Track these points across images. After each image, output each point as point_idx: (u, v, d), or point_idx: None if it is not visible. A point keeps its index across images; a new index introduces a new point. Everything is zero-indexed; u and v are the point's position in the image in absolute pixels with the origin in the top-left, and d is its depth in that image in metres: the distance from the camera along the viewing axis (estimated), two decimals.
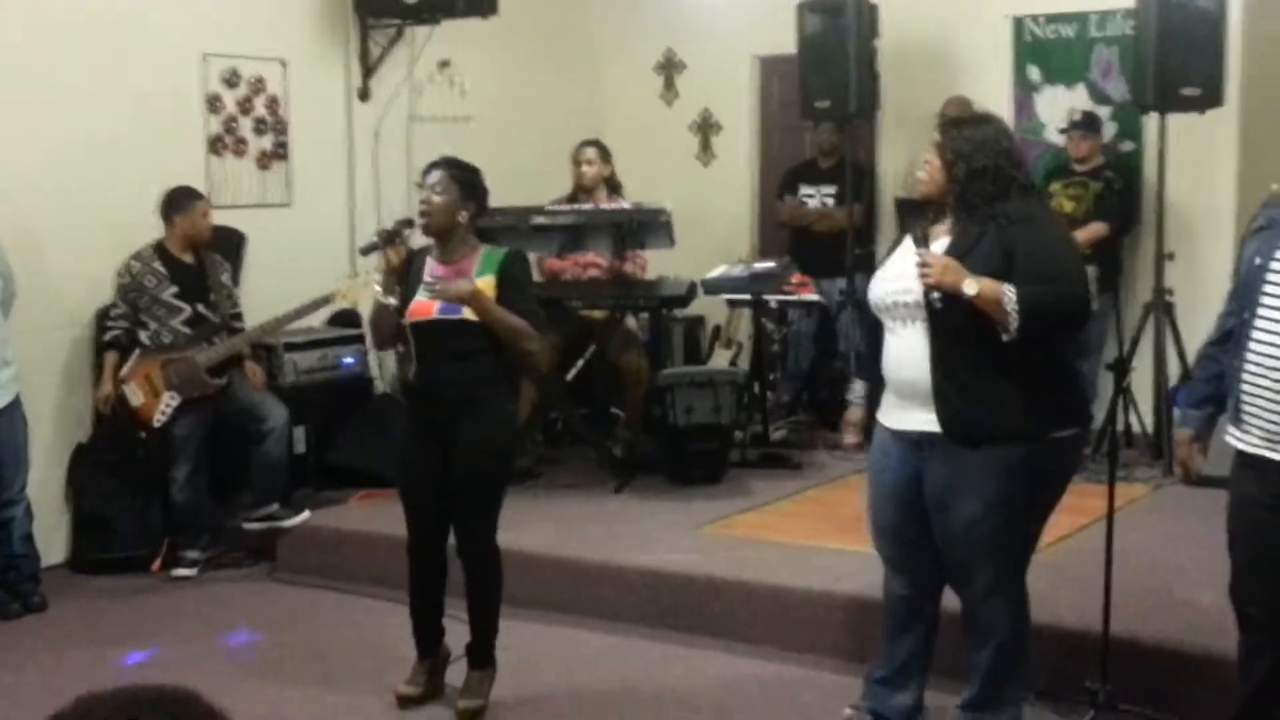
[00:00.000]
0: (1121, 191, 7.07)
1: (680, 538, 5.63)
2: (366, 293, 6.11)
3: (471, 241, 4.48)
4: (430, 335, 4.37)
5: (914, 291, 3.65)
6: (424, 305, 4.35)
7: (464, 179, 4.44)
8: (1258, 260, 3.38)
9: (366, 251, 4.69)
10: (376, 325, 4.55)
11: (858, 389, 4.14)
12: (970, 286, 3.52)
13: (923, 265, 3.59)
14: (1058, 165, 7.36)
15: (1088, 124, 7.14)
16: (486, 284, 4.34)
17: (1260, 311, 3.33)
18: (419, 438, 4.44)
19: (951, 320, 3.59)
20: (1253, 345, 3.34)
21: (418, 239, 4.55)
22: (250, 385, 6.16)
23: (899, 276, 3.74)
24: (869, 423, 4.04)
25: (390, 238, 4.47)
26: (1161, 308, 6.60)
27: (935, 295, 3.59)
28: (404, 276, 4.44)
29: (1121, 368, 4.69)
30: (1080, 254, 4.08)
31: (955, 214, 3.71)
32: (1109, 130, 7.38)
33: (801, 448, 7.05)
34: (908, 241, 3.81)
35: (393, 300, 4.41)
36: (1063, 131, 7.29)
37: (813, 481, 6.50)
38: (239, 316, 6.28)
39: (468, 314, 4.28)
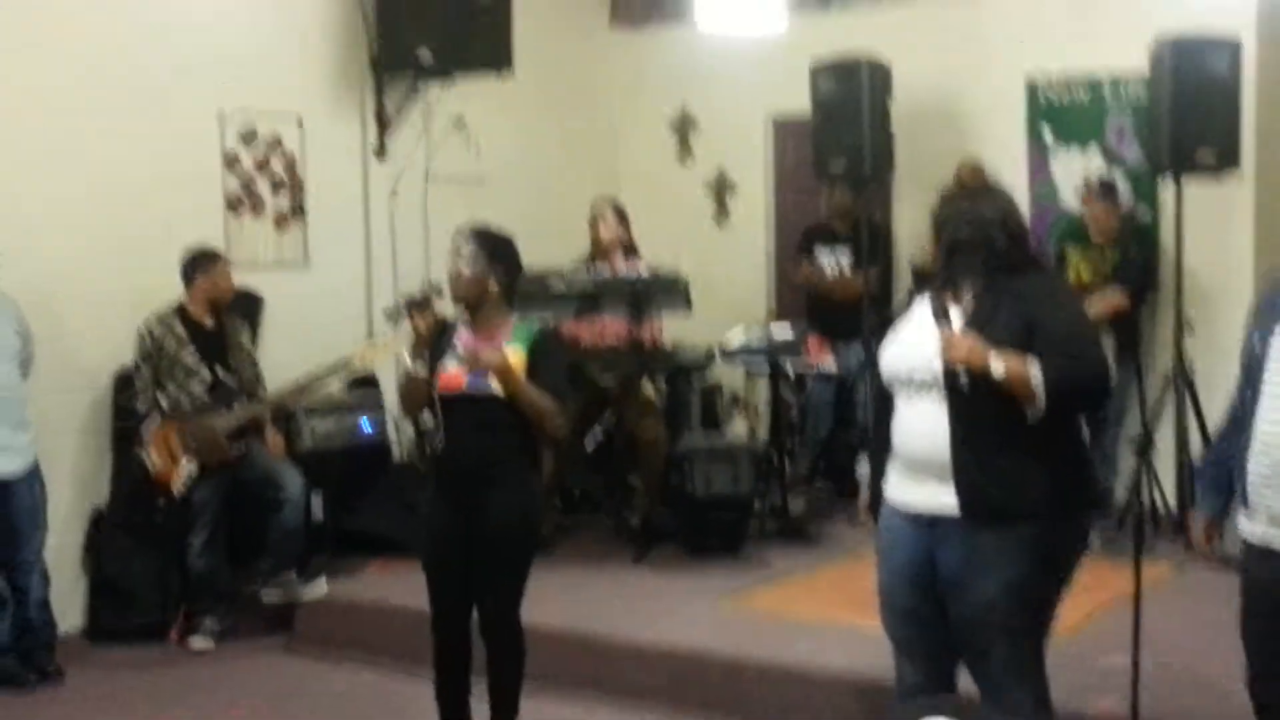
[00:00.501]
0: (1139, 259, 7.06)
1: (699, 612, 5.59)
2: (384, 355, 6.13)
3: (504, 311, 4.45)
4: (459, 407, 4.34)
5: (933, 366, 3.59)
6: (454, 378, 4.31)
7: (494, 249, 4.40)
8: (1258, 345, 3.36)
9: (393, 318, 4.66)
10: (406, 394, 4.50)
11: (866, 467, 4.06)
12: (998, 367, 3.47)
13: (946, 344, 3.55)
14: (1073, 231, 7.34)
15: (1105, 192, 7.12)
16: (516, 355, 4.32)
17: (1262, 397, 3.31)
18: (444, 510, 4.39)
19: (974, 398, 3.53)
20: (1257, 428, 3.32)
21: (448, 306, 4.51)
22: (269, 453, 6.14)
23: (915, 347, 3.67)
24: (876, 501, 3.94)
25: (419, 305, 4.44)
26: (1182, 378, 6.54)
27: (960, 373, 3.54)
28: (434, 345, 4.41)
29: (1145, 443, 4.66)
30: (1096, 328, 4.04)
31: (951, 286, 3.68)
32: (1125, 196, 7.36)
33: (820, 517, 7.01)
34: (923, 309, 3.73)
35: (421, 370, 4.38)
36: (1081, 200, 7.27)
37: (831, 554, 6.45)
38: (259, 380, 6.27)
39: (496, 389, 4.25)
